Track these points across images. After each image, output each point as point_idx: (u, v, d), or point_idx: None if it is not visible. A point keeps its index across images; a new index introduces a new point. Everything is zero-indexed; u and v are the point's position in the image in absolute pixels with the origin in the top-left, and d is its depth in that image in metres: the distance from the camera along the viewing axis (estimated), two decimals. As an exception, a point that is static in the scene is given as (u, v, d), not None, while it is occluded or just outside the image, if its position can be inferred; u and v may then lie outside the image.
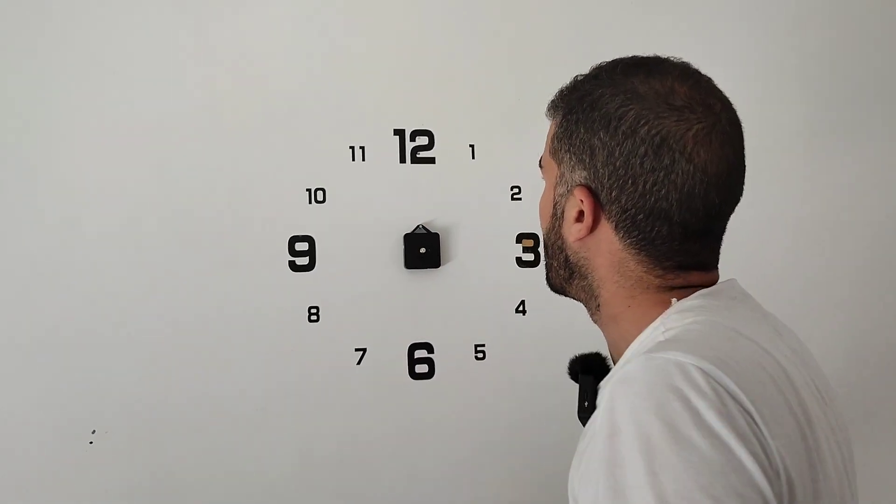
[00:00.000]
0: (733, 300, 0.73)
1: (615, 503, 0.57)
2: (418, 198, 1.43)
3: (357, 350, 1.40)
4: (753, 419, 0.59)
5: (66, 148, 1.33)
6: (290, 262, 1.38)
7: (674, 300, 0.72)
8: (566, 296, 0.84)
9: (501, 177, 1.45)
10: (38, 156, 1.32)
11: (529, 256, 1.46)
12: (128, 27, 1.35)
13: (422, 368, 1.42)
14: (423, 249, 1.41)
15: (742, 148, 0.72)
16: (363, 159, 1.41)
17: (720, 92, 0.73)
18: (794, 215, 1.56)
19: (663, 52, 1.49)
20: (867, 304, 1.58)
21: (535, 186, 1.43)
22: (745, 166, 0.73)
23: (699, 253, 0.74)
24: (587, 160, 0.73)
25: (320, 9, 1.40)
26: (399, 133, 1.42)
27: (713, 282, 0.75)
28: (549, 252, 0.82)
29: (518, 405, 1.45)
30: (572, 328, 1.47)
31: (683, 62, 0.75)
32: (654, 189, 0.69)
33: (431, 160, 1.43)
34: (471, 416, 1.43)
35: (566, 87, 0.80)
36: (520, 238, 1.46)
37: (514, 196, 1.45)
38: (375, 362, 1.40)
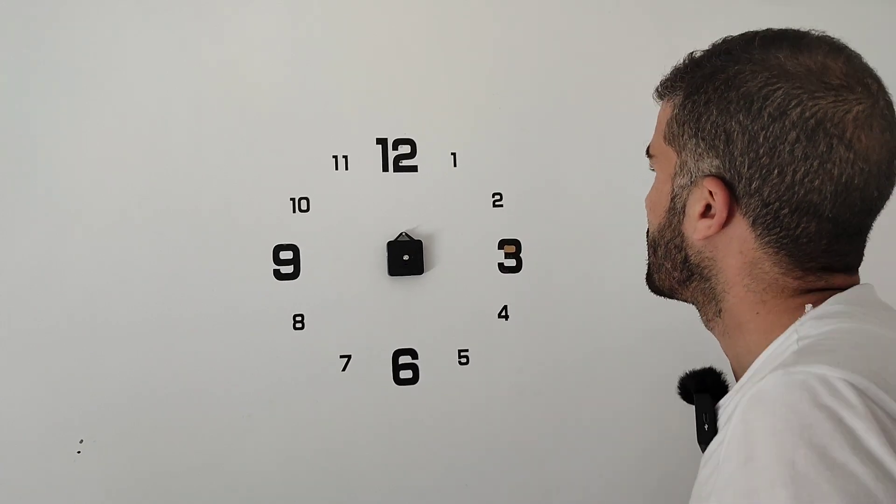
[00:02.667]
0: (876, 306, 0.65)
1: None
2: (401, 206, 1.44)
3: (342, 357, 1.41)
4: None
5: (48, 158, 1.34)
6: (274, 270, 1.39)
7: (808, 306, 0.63)
8: (673, 298, 0.76)
9: (483, 184, 1.47)
10: (22, 166, 1.33)
11: (511, 262, 1.48)
12: (114, 38, 1.35)
13: (406, 374, 1.43)
14: (406, 256, 1.43)
15: None
16: (346, 168, 1.43)
17: (873, 70, 0.64)
18: None
19: (639, 55, 1.49)
20: None
21: (517, 193, 1.46)
22: None
23: (848, 254, 0.65)
24: (721, 147, 0.64)
25: (302, 19, 1.41)
26: (381, 142, 1.44)
27: (855, 283, 0.66)
28: (662, 251, 0.72)
29: (502, 409, 1.47)
30: (555, 332, 1.51)
31: (827, 35, 0.65)
32: (806, 180, 0.61)
33: (414, 168, 1.45)
34: (455, 421, 1.45)
35: (685, 64, 0.70)
36: (502, 244, 1.48)
37: (496, 203, 1.46)
38: (360, 368, 1.42)
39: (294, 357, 1.39)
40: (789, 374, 0.53)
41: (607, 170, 1.50)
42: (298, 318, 1.40)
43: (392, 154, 1.44)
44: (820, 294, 0.64)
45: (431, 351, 1.44)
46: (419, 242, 1.44)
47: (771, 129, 0.61)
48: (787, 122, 0.60)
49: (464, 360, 1.45)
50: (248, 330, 1.38)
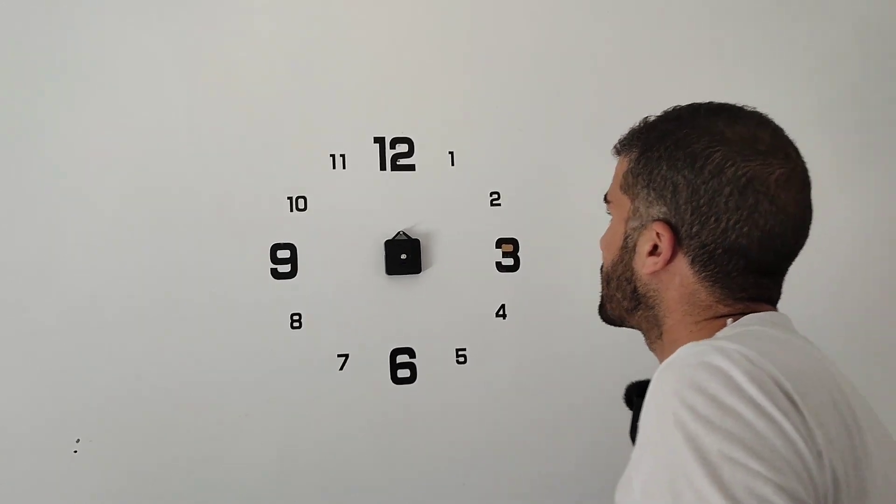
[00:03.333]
0: (788, 333, 0.74)
1: (664, 473, 0.59)
2: (399, 204, 1.44)
3: (339, 356, 1.41)
4: (796, 404, 0.60)
5: (43, 157, 1.34)
6: (272, 269, 1.39)
7: (729, 320, 0.75)
8: (622, 326, 0.87)
9: (480, 183, 1.46)
10: (19, 166, 1.33)
11: (509, 261, 1.48)
12: (109, 38, 1.35)
13: (404, 373, 1.43)
14: (403, 255, 1.43)
15: (810, 194, 0.76)
16: (344, 167, 1.42)
17: (792, 141, 0.77)
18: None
19: (633, 53, 1.49)
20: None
21: (514, 192, 1.46)
22: (812, 211, 0.76)
23: (770, 288, 0.78)
24: (668, 196, 0.76)
25: (300, 17, 1.41)
26: (379, 141, 1.44)
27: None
28: (615, 284, 0.84)
29: (500, 408, 1.47)
30: (553, 331, 1.51)
31: (757, 111, 0.79)
32: (737, 227, 0.73)
33: (411, 167, 1.45)
34: (452, 420, 1.45)
35: (640, 126, 0.83)
36: (499, 243, 1.48)
37: (493, 202, 1.46)
38: (358, 368, 1.41)
39: (291, 356, 1.39)
40: (692, 346, 0.65)
41: (605, 169, 1.50)
42: (296, 317, 1.40)
43: (389, 153, 1.44)
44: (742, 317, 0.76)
45: (429, 350, 1.44)
46: (417, 241, 1.44)
47: (710, 184, 0.73)
48: (723, 179, 0.73)
49: (462, 359, 1.45)
50: (245, 329, 1.38)
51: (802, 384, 0.62)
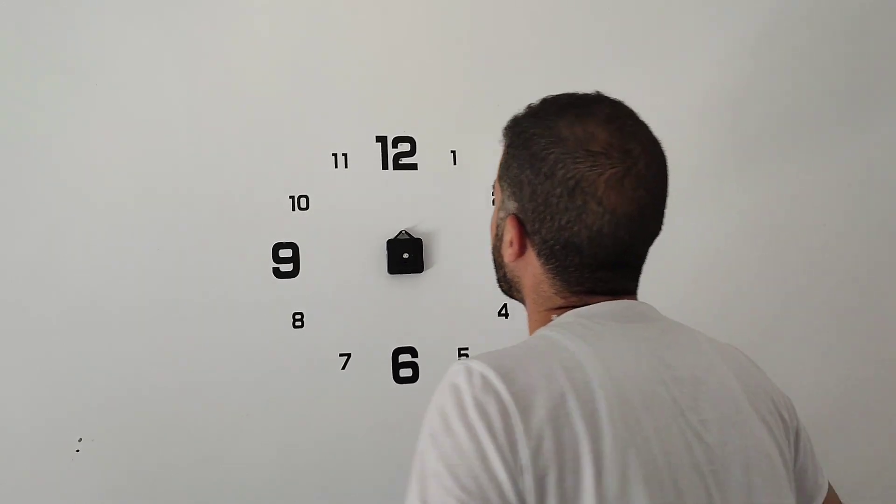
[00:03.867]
0: (612, 321, 0.77)
1: (410, 485, 0.70)
2: (401, 204, 1.44)
3: (341, 355, 1.41)
4: (510, 425, 0.65)
5: (44, 157, 1.34)
6: (274, 268, 1.39)
7: (553, 316, 0.80)
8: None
9: (482, 182, 1.46)
10: (20, 166, 1.33)
11: (511, 260, 1.48)
12: (110, 38, 1.35)
13: (406, 372, 1.43)
14: (405, 255, 1.43)
15: (659, 187, 0.78)
16: (346, 166, 1.42)
17: (645, 134, 0.79)
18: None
19: (631, 53, 1.48)
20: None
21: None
22: (661, 203, 0.79)
23: (610, 280, 0.80)
24: (518, 193, 0.81)
25: (302, 17, 1.41)
26: (381, 140, 1.44)
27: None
28: (496, 266, 0.91)
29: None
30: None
31: (616, 103, 0.81)
32: (569, 226, 0.76)
33: (413, 166, 1.45)
34: (455, 419, 1.44)
35: (512, 119, 0.86)
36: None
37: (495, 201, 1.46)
38: (360, 367, 1.41)
39: (293, 355, 1.39)
40: (459, 361, 0.72)
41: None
42: (298, 317, 1.40)
43: (392, 152, 1.44)
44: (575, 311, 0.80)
45: (431, 349, 1.44)
46: (419, 240, 1.44)
47: (545, 185, 0.77)
48: (555, 180, 0.76)
49: (464, 358, 1.44)
50: (247, 328, 1.38)
51: (532, 398, 0.67)
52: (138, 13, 1.36)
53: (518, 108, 1.46)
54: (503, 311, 1.46)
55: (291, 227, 1.40)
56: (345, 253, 1.42)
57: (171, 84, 1.37)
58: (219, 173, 1.38)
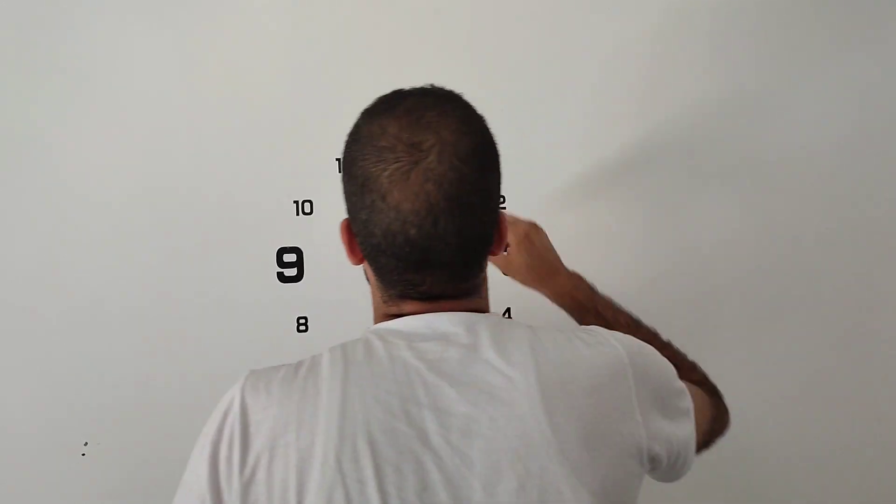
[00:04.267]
0: (401, 339, 0.75)
1: None
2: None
3: (346, 359, 1.41)
4: (232, 452, 0.71)
5: (46, 158, 1.35)
6: (278, 273, 1.40)
7: (370, 333, 0.80)
8: None
9: (486, 186, 1.46)
10: (22, 167, 1.34)
11: (515, 264, 1.48)
12: (114, 40, 1.36)
13: (410, 376, 1.43)
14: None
15: (459, 181, 0.72)
16: (350, 171, 1.43)
17: (450, 125, 0.75)
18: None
19: (642, 56, 1.47)
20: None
21: (520, 196, 1.46)
22: (469, 196, 0.73)
23: (421, 283, 0.77)
24: (343, 197, 0.79)
25: (305, 20, 1.42)
26: (387, 144, 1.44)
27: (430, 312, 0.78)
28: None
29: (505, 411, 1.46)
30: (558, 334, 1.50)
31: (430, 94, 0.79)
32: (368, 225, 0.74)
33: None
34: (459, 423, 1.44)
35: None
36: (506, 247, 1.48)
37: (500, 206, 1.46)
38: (364, 371, 1.41)
39: (298, 360, 1.39)
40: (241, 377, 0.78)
41: (610, 171, 1.50)
42: (302, 321, 1.40)
43: (395, 157, 1.44)
44: (389, 318, 0.81)
45: (435, 353, 1.44)
46: (423, 244, 1.44)
47: (347, 185, 0.76)
48: (352, 180, 0.75)
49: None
50: (251, 333, 1.38)
51: (256, 426, 0.71)
52: (141, 16, 1.37)
53: (523, 109, 1.48)
54: (506, 315, 1.46)
55: (296, 232, 1.41)
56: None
57: (174, 88, 1.38)
58: (223, 178, 1.39)
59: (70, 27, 1.35)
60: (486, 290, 0.86)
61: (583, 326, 0.87)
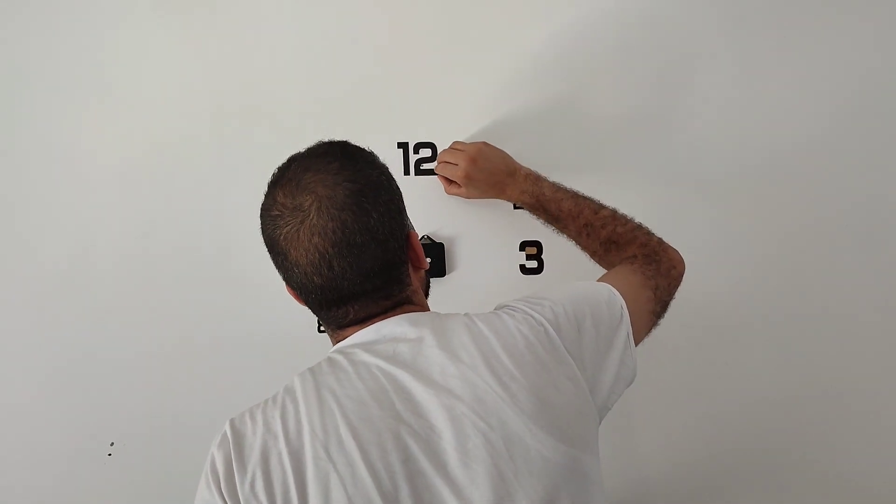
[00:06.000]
0: (359, 349, 0.86)
1: None
2: (423, 209, 1.45)
3: (366, 359, 1.42)
4: (219, 478, 0.78)
5: (73, 167, 1.37)
6: (298, 274, 1.41)
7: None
8: None
9: (504, 186, 1.47)
10: (40, 168, 1.36)
11: (533, 264, 1.48)
12: (136, 50, 1.39)
13: (430, 376, 1.44)
14: (428, 259, 1.44)
15: (342, 228, 0.84)
16: (368, 172, 1.44)
17: (324, 181, 0.85)
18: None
19: (652, 57, 1.45)
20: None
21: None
22: (359, 236, 0.84)
23: (347, 315, 0.89)
24: None
25: (323, 25, 1.44)
26: (402, 146, 1.45)
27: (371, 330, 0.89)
28: None
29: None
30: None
31: (309, 155, 0.90)
32: (289, 280, 0.89)
33: (435, 172, 1.46)
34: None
35: None
36: (523, 246, 1.49)
37: (517, 205, 1.47)
38: (384, 371, 1.42)
39: (319, 359, 1.40)
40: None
41: (625, 172, 1.50)
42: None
43: (413, 158, 1.45)
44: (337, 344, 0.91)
45: (454, 353, 1.44)
46: (441, 245, 1.45)
47: (268, 251, 0.90)
48: (266, 246, 0.89)
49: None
50: (273, 332, 1.40)
51: (247, 444, 0.80)
52: (159, 24, 1.39)
53: (537, 112, 1.48)
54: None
55: (315, 234, 1.41)
56: (368, 258, 1.43)
57: (192, 92, 1.40)
58: (243, 182, 1.40)
59: (94, 41, 1.38)
60: (422, 298, 0.97)
61: (505, 306, 0.94)
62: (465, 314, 0.90)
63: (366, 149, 0.95)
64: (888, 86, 1.55)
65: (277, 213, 0.86)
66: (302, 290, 0.87)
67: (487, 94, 1.47)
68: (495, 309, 0.93)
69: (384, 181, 0.91)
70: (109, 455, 1.39)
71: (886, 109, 1.55)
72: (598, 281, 1.03)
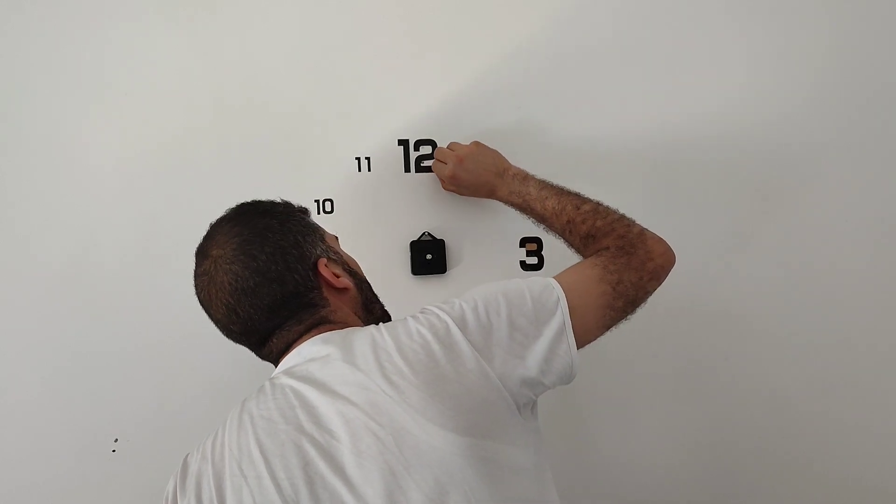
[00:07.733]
0: (282, 374, 0.94)
1: None
2: (423, 205, 1.46)
3: (367, 355, 1.42)
4: (177, 494, 0.89)
5: (74, 166, 1.38)
6: (300, 271, 1.41)
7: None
8: None
9: (504, 183, 1.47)
10: (55, 174, 1.37)
11: (533, 260, 1.49)
12: (136, 48, 1.39)
13: (431, 372, 1.44)
14: (429, 256, 1.44)
15: (235, 278, 0.96)
16: (369, 169, 1.45)
17: (217, 243, 0.99)
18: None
19: (652, 57, 1.44)
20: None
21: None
22: (242, 285, 0.96)
23: (272, 349, 1.00)
24: None
25: (324, 22, 1.44)
26: (403, 143, 1.46)
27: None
28: None
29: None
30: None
31: (219, 222, 1.03)
32: (222, 332, 1.01)
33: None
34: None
35: None
36: (523, 242, 1.49)
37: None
38: (385, 367, 1.43)
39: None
40: None
41: (625, 168, 1.50)
42: (324, 318, 1.42)
43: (413, 155, 1.46)
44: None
45: (455, 348, 1.45)
46: (441, 241, 1.45)
47: None
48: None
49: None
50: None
51: (191, 465, 0.91)
52: (157, 18, 1.39)
53: (538, 109, 1.48)
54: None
55: (317, 231, 1.42)
56: (369, 255, 1.42)
57: (192, 89, 1.40)
58: (245, 179, 1.41)
59: (96, 41, 1.38)
60: (345, 315, 1.03)
61: (421, 309, 0.98)
62: (378, 325, 0.96)
63: (270, 200, 1.07)
64: (893, 84, 1.55)
65: (196, 282, 0.99)
66: (231, 337, 1.00)
67: (488, 92, 1.48)
68: (418, 312, 0.98)
69: (274, 224, 1.00)
70: (113, 451, 1.40)
71: (891, 107, 1.55)
72: (555, 276, 1.03)
